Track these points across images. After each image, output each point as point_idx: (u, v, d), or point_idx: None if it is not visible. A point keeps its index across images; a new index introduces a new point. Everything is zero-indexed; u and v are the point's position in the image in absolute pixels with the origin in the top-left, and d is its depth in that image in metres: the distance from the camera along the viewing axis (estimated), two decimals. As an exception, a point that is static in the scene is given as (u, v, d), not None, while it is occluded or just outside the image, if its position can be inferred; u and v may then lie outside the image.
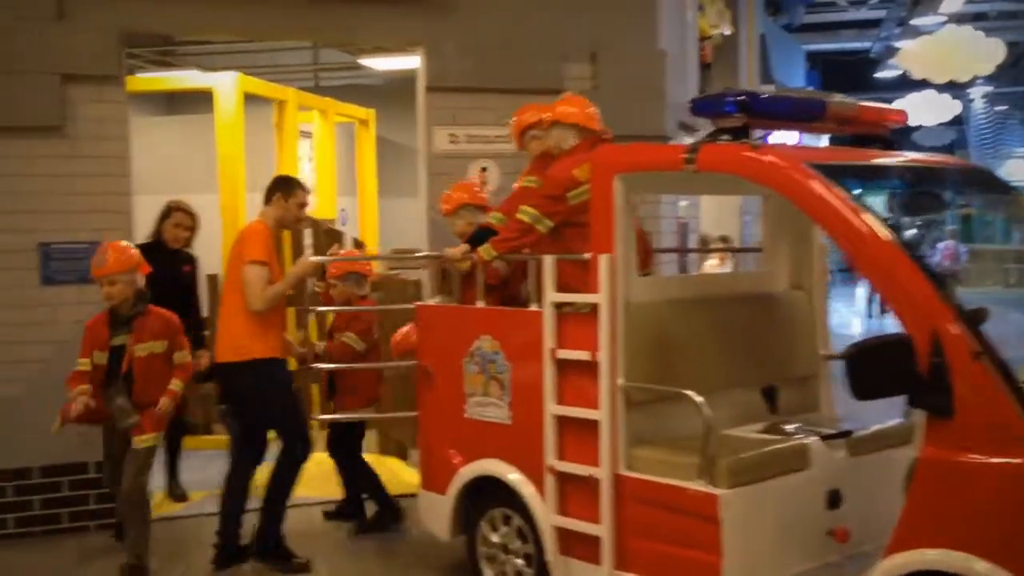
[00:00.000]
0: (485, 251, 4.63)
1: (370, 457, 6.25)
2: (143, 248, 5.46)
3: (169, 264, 6.02)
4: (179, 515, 6.08)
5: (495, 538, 4.52)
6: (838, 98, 3.98)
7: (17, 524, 5.69)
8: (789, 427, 4.14)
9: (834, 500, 3.87)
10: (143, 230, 6.20)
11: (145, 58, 11.39)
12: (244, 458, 5.16)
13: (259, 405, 5.09)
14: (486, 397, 4.52)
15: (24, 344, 5.67)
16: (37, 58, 5.62)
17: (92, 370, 4.91)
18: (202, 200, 6.96)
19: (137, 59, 10.90)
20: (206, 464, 6.53)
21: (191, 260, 6.35)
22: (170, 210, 6.25)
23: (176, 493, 6.33)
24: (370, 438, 6.45)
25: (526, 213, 4.48)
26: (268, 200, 5.14)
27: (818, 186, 3.44)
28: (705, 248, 9.19)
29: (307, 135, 9.45)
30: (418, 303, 5.26)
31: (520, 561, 4.42)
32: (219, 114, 7.81)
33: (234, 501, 5.11)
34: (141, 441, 4.89)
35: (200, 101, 8.93)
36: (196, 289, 6.37)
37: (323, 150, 9.62)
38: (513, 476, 4.38)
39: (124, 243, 5.15)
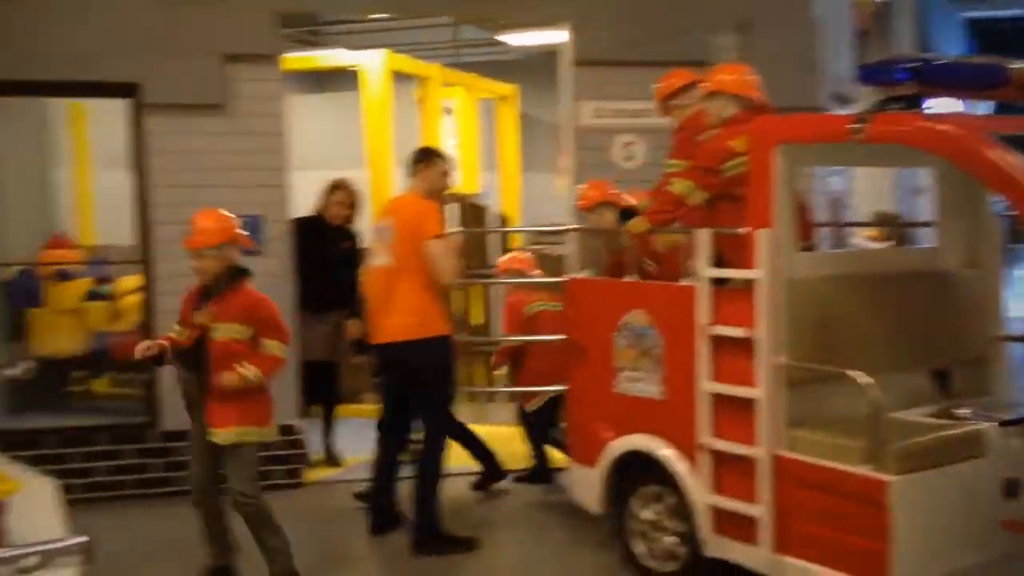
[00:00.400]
0: (636, 224, 4.58)
1: (511, 430, 6.31)
2: (302, 222, 5.61)
3: (329, 240, 6.22)
4: (335, 479, 6.28)
5: (646, 515, 4.48)
6: (1019, 64, 3.73)
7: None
8: (961, 412, 3.94)
9: (1012, 489, 3.66)
10: (295, 205, 6.38)
11: (294, 38, 11.70)
12: (439, 439, 5.07)
13: (448, 379, 5.07)
14: (636, 372, 4.47)
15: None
16: (200, 39, 5.84)
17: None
18: (351, 176, 7.11)
19: (286, 39, 11.20)
20: (356, 432, 6.70)
21: (351, 236, 6.49)
22: (334, 188, 6.43)
23: (331, 459, 6.54)
24: (512, 410, 6.49)
25: (677, 185, 4.40)
26: (413, 173, 5.14)
27: (1001, 156, 3.24)
28: (875, 223, 8.73)
29: (449, 111, 9.54)
30: (569, 275, 5.23)
31: (672, 539, 4.37)
32: (366, 91, 7.96)
33: (429, 482, 5.02)
34: (220, 435, 4.26)
35: (344, 79, 9.12)
36: (357, 265, 6.45)
37: (465, 126, 9.70)
38: (665, 452, 4.32)
39: (219, 214, 4.51)
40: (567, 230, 5.98)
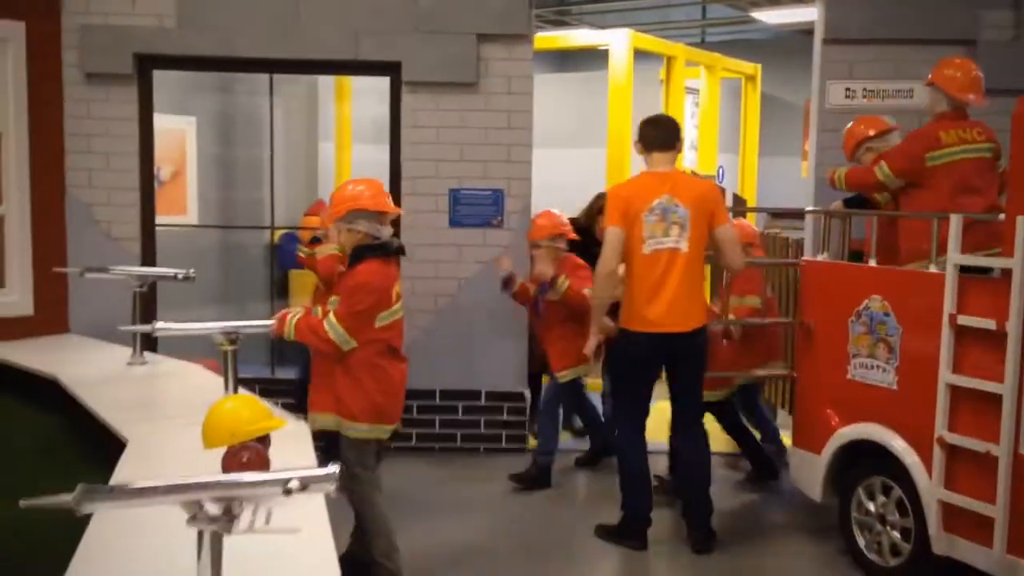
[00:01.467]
0: (838, 175, 4.94)
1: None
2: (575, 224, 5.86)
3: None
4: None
5: (871, 506, 4.38)
6: None
7: (463, 440, 6.41)
8: None
9: None
10: (536, 182, 6.59)
11: (544, 18, 12.04)
12: (701, 428, 4.84)
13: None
14: (872, 359, 4.36)
15: (437, 280, 6.33)
16: (458, 20, 6.18)
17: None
18: (588, 155, 7.27)
19: (536, 19, 11.55)
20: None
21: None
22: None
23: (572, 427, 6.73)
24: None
25: (880, 170, 4.69)
26: (672, 146, 4.70)
27: None
28: None
29: (692, 91, 9.51)
30: (805, 259, 5.16)
31: (897, 534, 4.25)
32: (612, 70, 8.08)
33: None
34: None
35: (588, 58, 9.29)
36: None
37: (708, 106, 9.63)
38: (897, 444, 4.20)
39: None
40: (806, 212, 5.87)
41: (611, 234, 4.53)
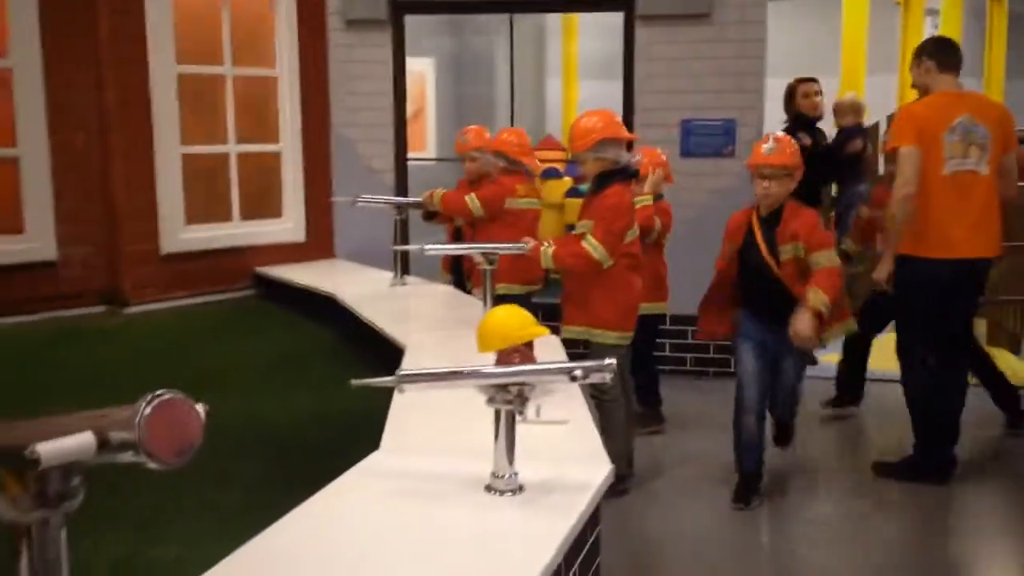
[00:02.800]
0: None
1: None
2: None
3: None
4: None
5: None
6: None
7: (693, 364, 6.67)
8: None
9: None
10: (769, 111, 6.64)
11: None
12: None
13: None
14: None
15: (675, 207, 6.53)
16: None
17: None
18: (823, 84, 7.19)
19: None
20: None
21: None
22: (794, 86, 6.66)
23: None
24: (979, 328, 6.30)
25: None
26: (956, 67, 4.57)
27: None
28: None
29: (932, 12, 9.10)
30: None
31: None
32: (845, -4, 7.90)
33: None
34: None
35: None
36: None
37: (948, 27, 9.19)
38: None
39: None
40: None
41: (910, 154, 4.34)
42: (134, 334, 5.56)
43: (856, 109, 6.88)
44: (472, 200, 5.07)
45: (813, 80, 6.65)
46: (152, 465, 1.04)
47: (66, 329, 5.57)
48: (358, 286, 5.74)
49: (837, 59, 7.94)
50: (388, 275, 5.88)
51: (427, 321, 4.97)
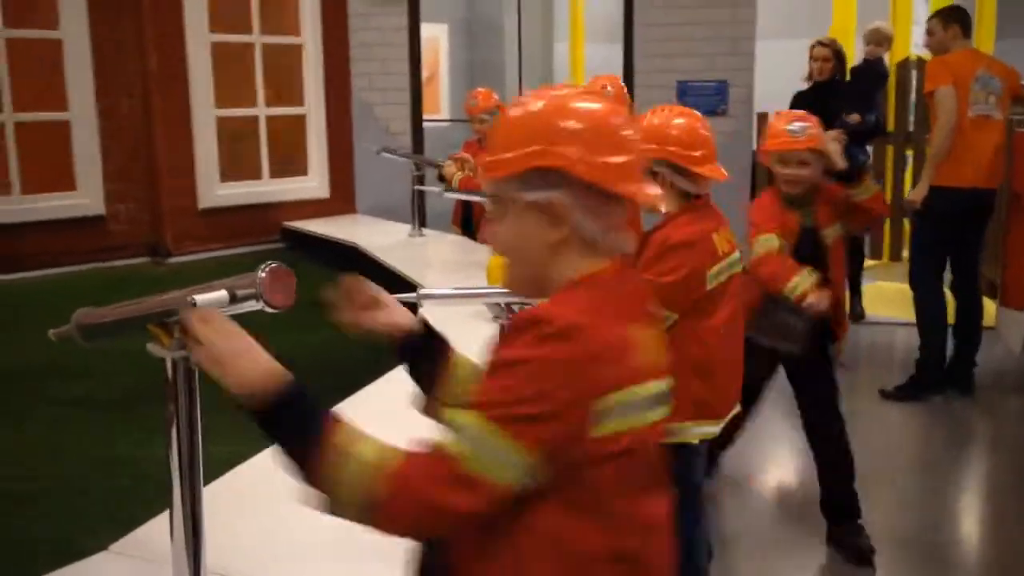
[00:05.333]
0: None
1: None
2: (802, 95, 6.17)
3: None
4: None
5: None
6: None
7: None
8: None
9: None
10: (764, 75, 7.05)
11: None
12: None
13: None
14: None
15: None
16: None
17: None
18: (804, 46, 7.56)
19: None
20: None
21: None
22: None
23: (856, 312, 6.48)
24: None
25: None
26: (967, 34, 5.15)
27: None
28: None
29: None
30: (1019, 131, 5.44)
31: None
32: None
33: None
34: None
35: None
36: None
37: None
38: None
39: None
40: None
41: (949, 93, 4.90)
42: (177, 281, 6.11)
43: (878, 38, 6.69)
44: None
45: (822, 43, 6.41)
46: (268, 309, 1.57)
47: (114, 278, 6.14)
48: (379, 237, 6.28)
49: (829, 18, 8.33)
50: (407, 227, 6.41)
51: (443, 265, 5.52)
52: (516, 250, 1.40)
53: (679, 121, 2.70)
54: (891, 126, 7.64)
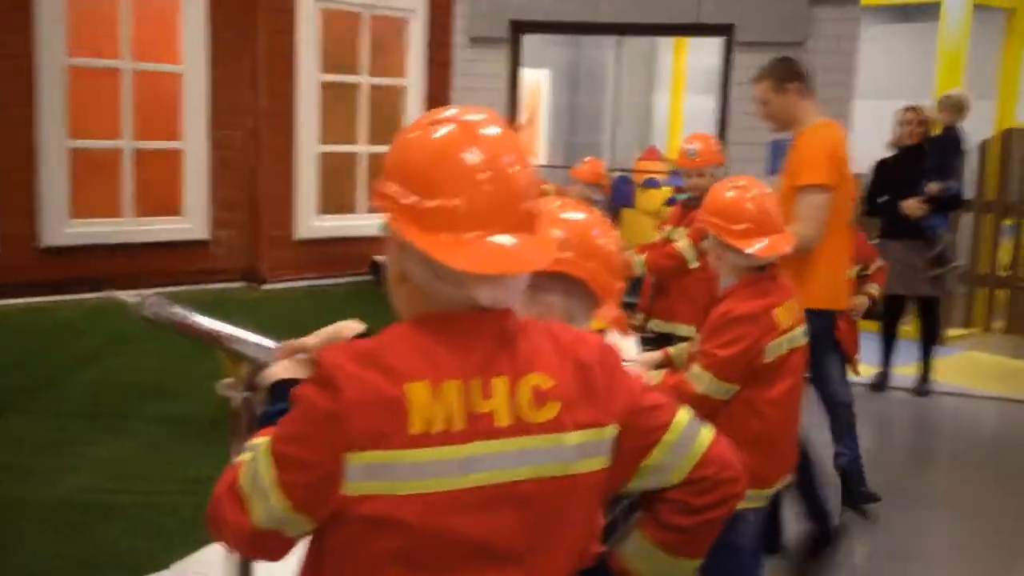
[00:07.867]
0: None
1: None
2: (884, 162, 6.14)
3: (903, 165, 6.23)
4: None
5: None
6: None
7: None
8: None
9: None
10: (861, 133, 6.99)
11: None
12: None
13: None
14: None
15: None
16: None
17: None
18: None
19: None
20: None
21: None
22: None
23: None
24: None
25: None
26: None
27: None
28: None
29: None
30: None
31: None
32: (944, 21, 8.15)
33: None
34: None
35: (931, 11, 9.30)
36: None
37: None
38: None
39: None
40: None
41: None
42: (271, 307, 6.39)
43: (953, 106, 6.40)
44: None
45: (912, 108, 6.40)
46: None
47: (211, 300, 6.43)
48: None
49: (933, 82, 8.19)
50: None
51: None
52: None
53: (728, 194, 2.64)
54: (990, 194, 7.49)
